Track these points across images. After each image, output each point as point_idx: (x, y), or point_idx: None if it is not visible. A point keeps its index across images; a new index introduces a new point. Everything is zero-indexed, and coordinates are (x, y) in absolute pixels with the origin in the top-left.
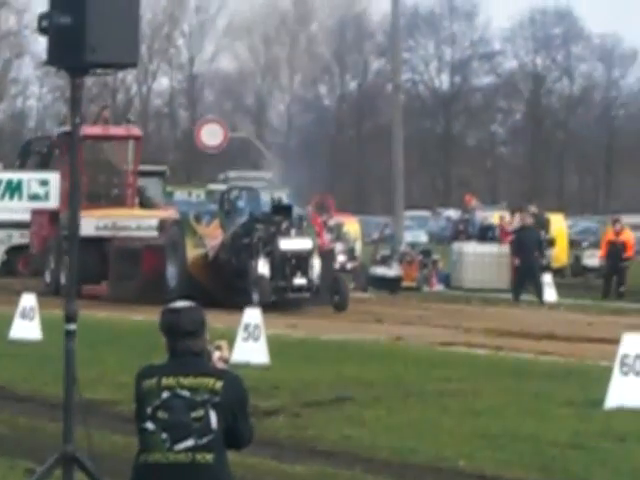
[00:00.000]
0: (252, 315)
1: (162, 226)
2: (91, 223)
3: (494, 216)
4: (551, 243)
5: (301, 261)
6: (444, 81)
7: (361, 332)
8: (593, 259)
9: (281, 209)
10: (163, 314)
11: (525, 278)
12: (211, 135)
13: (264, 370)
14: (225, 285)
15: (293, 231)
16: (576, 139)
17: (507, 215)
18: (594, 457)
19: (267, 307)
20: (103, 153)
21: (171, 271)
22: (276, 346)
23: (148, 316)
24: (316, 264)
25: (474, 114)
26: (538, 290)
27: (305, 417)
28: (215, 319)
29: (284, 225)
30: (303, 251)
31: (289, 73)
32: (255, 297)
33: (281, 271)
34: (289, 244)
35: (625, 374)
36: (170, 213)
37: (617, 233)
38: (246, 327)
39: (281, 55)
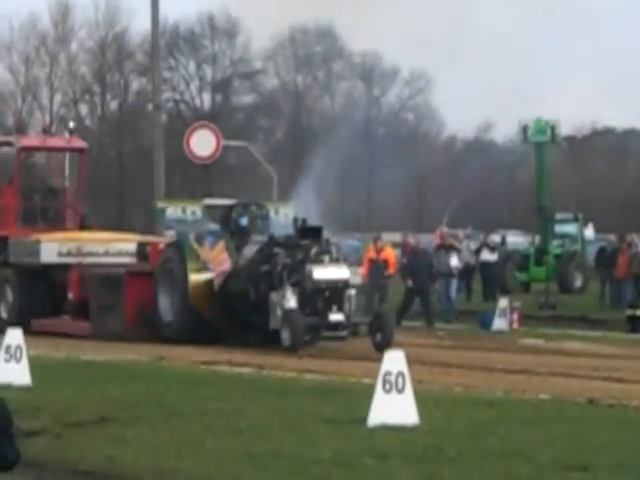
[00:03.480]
0: (14, 336)
1: (142, 249)
2: (53, 248)
3: None
4: None
5: (336, 293)
6: (205, 100)
7: (123, 352)
8: (355, 277)
9: (308, 231)
10: None
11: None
12: (202, 143)
13: (26, 391)
14: (236, 320)
15: (326, 258)
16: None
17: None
18: (356, 475)
19: None
20: (40, 168)
21: (165, 303)
22: (38, 367)
23: None
24: (353, 297)
25: (236, 133)
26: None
27: (67, 438)
28: None
29: (314, 250)
30: (339, 281)
31: (49, 93)
32: (285, 337)
33: (313, 305)
34: (323, 273)
35: (387, 392)
36: (144, 237)
37: (378, 251)
38: (7, 348)
39: (41, 75)
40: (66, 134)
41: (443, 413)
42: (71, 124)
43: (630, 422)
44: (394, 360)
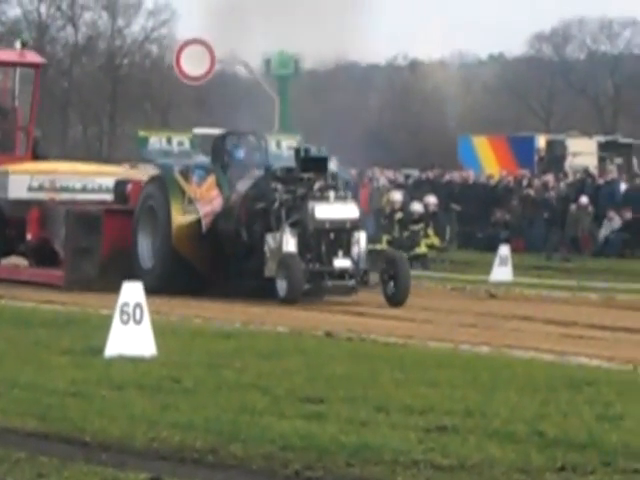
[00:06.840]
0: None
1: (120, 188)
2: (23, 181)
3: None
4: None
5: (343, 235)
6: None
7: None
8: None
9: (312, 163)
10: None
11: None
12: (194, 61)
13: None
14: (226, 267)
15: (331, 194)
16: (80, 88)
17: None
18: (92, 405)
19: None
20: None
21: (144, 247)
22: None
23: None
24: (363, 240)
25: None
26: None
27: None
28: None
29: (318, 185)
30: (347, 222)
31: None
32: (281, 286)
33: (316, 249)
34: (328, 212)
35: (125, 323)
36: (123, 171)
37: None
38: None
39: None
40: (17, 46)
41: (181, 344)
42: (24, 35)
43: (366, 355)
44: (132, 291)
